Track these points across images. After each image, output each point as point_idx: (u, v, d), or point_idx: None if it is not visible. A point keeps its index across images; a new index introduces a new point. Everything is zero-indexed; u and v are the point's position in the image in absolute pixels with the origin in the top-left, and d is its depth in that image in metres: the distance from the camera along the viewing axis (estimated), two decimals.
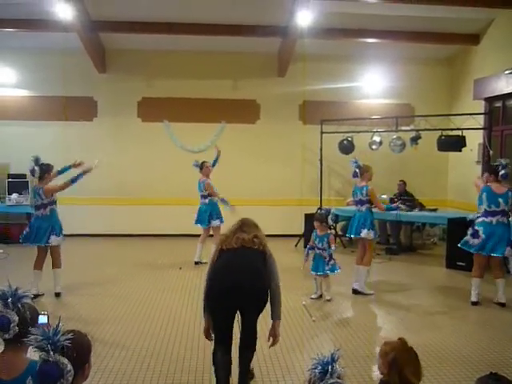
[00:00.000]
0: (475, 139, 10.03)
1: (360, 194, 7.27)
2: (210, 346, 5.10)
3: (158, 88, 11.61)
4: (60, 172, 7.16)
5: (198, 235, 9.24)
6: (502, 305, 6.51)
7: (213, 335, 4.03)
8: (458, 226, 8.28)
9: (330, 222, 6.89)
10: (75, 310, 6.44)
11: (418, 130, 9.87)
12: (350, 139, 10.52)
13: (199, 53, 11.42)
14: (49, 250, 6.95)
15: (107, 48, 11.48)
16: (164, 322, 5.92)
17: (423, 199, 10.88)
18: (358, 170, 7.29)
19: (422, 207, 10.50)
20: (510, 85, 9.17)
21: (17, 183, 10.94)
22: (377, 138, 10.48)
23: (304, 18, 9.00)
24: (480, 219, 6.60)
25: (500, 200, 6.43)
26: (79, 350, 2.21)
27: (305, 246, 10.37)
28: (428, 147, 9.94)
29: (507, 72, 9.11)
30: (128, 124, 11.67)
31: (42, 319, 2.79)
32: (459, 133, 9.15)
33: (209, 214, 8.86)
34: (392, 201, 10.50)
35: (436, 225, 10.94)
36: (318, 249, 6.80)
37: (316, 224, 6.88)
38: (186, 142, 11.57)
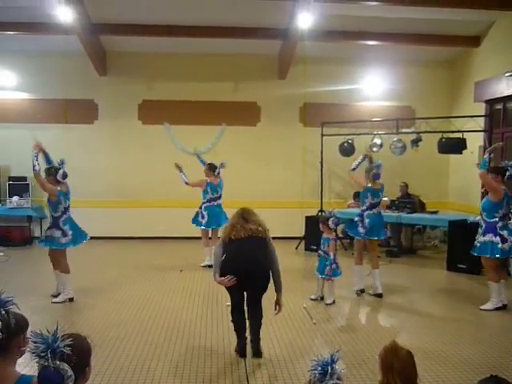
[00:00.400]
0: (476, 141, 10.02)
1: (378, 196, 7.23)
2: (210, 349, 5.11)
3: (159, 90, 11.62)
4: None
5: (198, 237, 9.24)
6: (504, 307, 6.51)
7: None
8: (459, 229, 8.28)
9: (332, 225, 6.86)
10: (76, 313, 6.44)
11: (418, 133, 9.86)
12: (350, 141, 10.52)
13: (200, 55, 11.43)
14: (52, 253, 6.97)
15: (108, 50, 11.50)
16: (165, 324, 5.91)
17: (424, 201, 10.87)
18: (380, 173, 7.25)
19: (422, 209, 10.50)
20: (511, 87, 9.17)
21: (17, 186, 10.95)
22: (377, 141, 10.48)
23: (304, 21, 9.00)
24: None
25: None
26: (79, 354, 2.18)
27: (306, 249, 10.41)
28: (429, 149, 9.93)
29: (508, 74, 9.10)
30: (129, 127, 11.67)
31: None
32: (460, 135, 9.15)
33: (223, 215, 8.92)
34: (393, 203, 10.50)
35: (437, 227, 10.93)
36: (321, 250, 6.81)
37: (320, 225, 6.90)
38: (186, 144, 11.55)
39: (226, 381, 4.44)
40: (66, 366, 2.06)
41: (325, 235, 6.85)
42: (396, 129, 9.99)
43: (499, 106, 10.16)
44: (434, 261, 9.78)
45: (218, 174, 9.16)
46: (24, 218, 11.14)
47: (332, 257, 6.69)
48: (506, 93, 9.33)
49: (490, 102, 10.25)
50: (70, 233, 6.77)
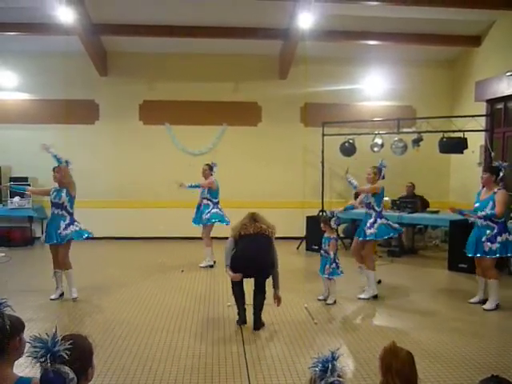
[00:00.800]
0: (477, 141, 10.02)
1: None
2: (211, 349, 5.11)
3: (160, 91, 11.63)
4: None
5: (198, 238, 9.24)
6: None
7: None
8: (460, 228, 8.26)
9: (334, 225, 6.85)
10: (77, 312, 6.44)
11: (419, 132, 9.86)
12: (351, 141, 10.52)
13: (200, 55, 11.43)
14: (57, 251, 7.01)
15: (108, 51, 11.51)
16: (166, 324, 5.91)
17: (428, 200, 10.89)
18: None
19: (424, 208, 10.49)
20: None
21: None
22: (378, 141, 10.47)
23: (305, 21, 9.00)
24: None
25: None
26: (81, 355, 2.18)
27: (307, 249, 10.41)
28: (430, 149, 9.93)
29: (509, 74, 9.10)
30: (129, 127, 11.68)
31: None
32: (461, 135, 9.14)
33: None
34: (394, 203, 10.49)
35: (438, 227, 10.93)
36: (323, 250, 6.81)
37: (322, 225, 6.91)
38: (187, 144, 11.58)
39: (228, 381, 4.44)
40: (67, 369, 2.05)
41: (326, 234, 6.85)
42: (397, 128, 9.99)
43: (500, 106, 10.16)
44: (435, 261, 9.78)
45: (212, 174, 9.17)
46: (25, 218, 11.15)
47: (332, 256, 6.68)
48: (507, 92, 9.34)
49: (491, 102, 10.25)
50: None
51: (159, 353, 5.02)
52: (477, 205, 6.61)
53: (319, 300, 6.82)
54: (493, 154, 9.01)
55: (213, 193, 9.03)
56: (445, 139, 9.34)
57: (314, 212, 10.79)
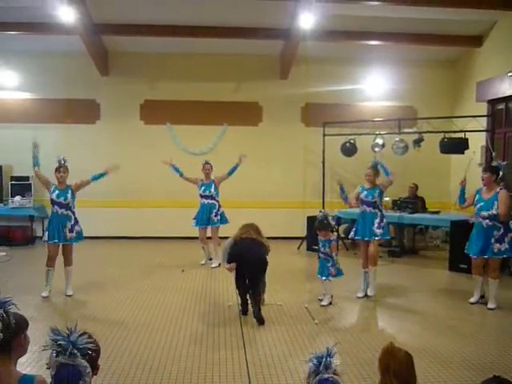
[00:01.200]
0: (478, 141, 10.01)
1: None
2: (211, 349, 5.11)
3: (161, 90, 11.63)
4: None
5: (197, 237, 9.25)
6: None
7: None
8: (461, 229, 8.26)
9: (332, 222, 6.83)
10: (77, 312, 6.44)
11: (420, 133, 9.84)
12: (352, 141, 10.51)
13: (201, 55, 11.43)
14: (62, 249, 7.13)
15: (110, 50, 11.51)
16: (166, 324, 5.91)
17: (426, 201, 10.87)
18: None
19: (424, 209, 10.50)
20: None
21: (20, 186, 10.97)
22: (379, 141, 10.46)
23: (306, 21, 8.99)
24: None
25: None
26: (95, 351, 2.25)
27: (307, 249, 10.40)
28: (431, 150, 9.91)
29: (510, 74, 9.09)
30: (130, 126, 11.68)
31: None
32: (462, 135, 9.13)
33: None
34: (395, 204, 10.49)
35: (439, 227, 10.92)
36: (322, 253, 6.77)
37: (319, 232, 6.81)
38: (188, 144, 11.57)
39: (228, 382, 4.44)
40: (85, 363, 2.10)
41: (323, 238, 6.74)
42: (398, 129, 9.98)
43: (501, 106, 10.15)
44: (435, 261, 9.77)
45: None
46: (26, 217, 11.16)
47: (335, 257, 6.67)
48: (508, 93, 9.33)
49: (492, 102, 10.24)
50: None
51: (159, 353, 5.03)
52: (481, 204, 6.59)
53: (320, 300, 6.81)
54: (494, 154, 9.00)
55: (217, 192, 9.06)
56: (446, 139, 9.32)
57: (315, 212, 10.64)
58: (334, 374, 2.19)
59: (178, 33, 10.35)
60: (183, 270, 8.64)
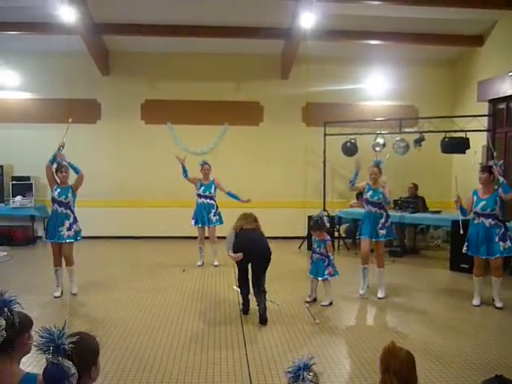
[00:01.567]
0: (479, 141, 10.00)
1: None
2: (212, 348, 5.11)
3: (162, 90, 11.63)
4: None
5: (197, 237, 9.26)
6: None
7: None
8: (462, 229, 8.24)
9: (327, 223, 6.84)
10: (77, 311, 6.45)
11: (421, 132, 9.85)
12: (353, 141, 10.51)
13: (202, 55, 11.43)
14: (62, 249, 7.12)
15: (110, 50, 11.51)
16: (167, 323, 5.92)
17: (427, 201, 10.86)
18: None
19: (425, 210, 10.49)
20: None
21: (20, 185, 10.97)
22: (380, 140, 10.46)
23: (307, 20, 8.98)
24: None
25: None
26: (85, 352, 2.19)
27: (308, 248, 10.38)
28: (432, 149, 9.91)
29: (511, 74, 9.09)
30: (131, 126, 11.68)
31: None
32: (463, 135, 9.13)
33: None
34: (396, 203, 10.48)
35: (440, 227, 10.91)
36: (317, 253, 6.77)
37: (315, 233, 6.83)
38: (189, 144, 11.57)
39: (229, 381, 4.44)
40: (69, 364, 2.07)
41: (317, 238, 6.76)
42: (399, 128, 9.98)
43: (502, 106, 10.14)
44: (436, 261, 9.77)
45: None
46: (27, 217, 11.16)
47: (332, 257, 6.69)
48: (510, 92, 9.31)
49: (494, 102, 10.23)
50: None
51: (160, 352, 5.03)
52: (484, 203, 6.58)
53: (307, 302, 6.73)
54: (495, 153, 8.99)
55: (216, 192, 9.09)
56: (447, 139, 9.32)
57: (316, 212, 10.74)
58: (311, 381, 2.25)
59: (179, 32, 10.34)
60: (184, 270, 8.65)
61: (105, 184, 11.35)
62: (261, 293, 6.00)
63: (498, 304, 6.60)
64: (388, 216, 7.25)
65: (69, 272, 7.11)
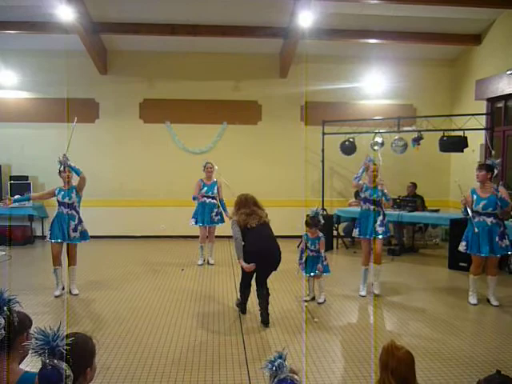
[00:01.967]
0: (477, 140, 10.02)
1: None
2: (211, 349, 5.11)
3: (160, 89, 11.62)
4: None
5: (198, 236, 9.24)
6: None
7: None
8: (461, 227, 8.26)
9: (322, 220, 6.84)
10: (77, 310, 6.44)
11: (420, 131, 9.85)
12: (351, 140, 10.52)
13: (201, 54, 11.43)
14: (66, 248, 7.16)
15: (109, 49, 11.50)
16: (166, 323, 5.92)
17: (425, 200, 10.87)
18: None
19: (423, 209, 10.50)
20: None
21: (19, 185, 10.95)
22: (379, 139, 10.46)
23: (305, 19, 8.99)
24: None
25: None
26: (81, 353, 2.18)
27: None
28: (430, 148, 9.93)
29: (509, 72, 9.10)
30: (130, 125, 11.67)
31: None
32: (461, 133, 9.15)
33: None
34: (395, 202, 10.48)
35: (438, 225, 10.92)
36: (311, 251, 6.78)
37: (306, 229, 6.84)
38: (187, 143, 11.57)
39: (228, 375, 4.44)
40: (64, 365, 2.07)
41: (310, 235, 6.79)
42: (397, 127, 9.99)
43: (500, 104, 10.15)
44: (435, 259, 9.78)
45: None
46: (25, 217, 11.15)
47: (323, 254, 6.73)
48: (508, 91, 9.33)
49: (492, 100, 10.25)
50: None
51: (159, 351, 5.03)
52: (484, 202, 6.58)
53: (306, 301, 6.77)
54: (493, 152, 9.00)
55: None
56: (445, 138, 9.34)
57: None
58: (291, 372, 2.32)
59: (177, 31, 10.34)
60: (183, 269, 8.65)
61: (103, 183, 11.34)
62: (266, 295, 5.87)
63: (495, 302, 6.64)
64: (385, 214, 7.27)
65: (70, 272, 7.11)
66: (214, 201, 8.99)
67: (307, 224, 6.84)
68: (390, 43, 10.91)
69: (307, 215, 7.01)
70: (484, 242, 6.55)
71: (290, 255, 9.75)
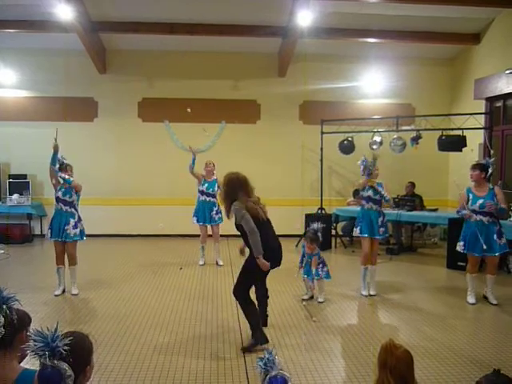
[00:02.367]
0: (476, 139, 10.03)
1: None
2: (209, 348, 5.10)
3: (159, 88, 11.62)
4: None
5: (197, 235, 9.22)
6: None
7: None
8: (459, 227, 8.27)
9: (321, 238, 6.84)
10: (76, 309, 6.45)
11: (418, 130, 9.86)
12: (350, 139, 10.52)
13: (199, 53, 11.43)
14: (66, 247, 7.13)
15: (108, 48, 11.49)
16: (165, 322, 5.92)
17: (424, 199, 10.88)
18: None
19: (422, 208, 10.52)
20: (511, 84, 9.17)
21: (17, 183, 10.97)
22: (377, 138, 10.47)
23: (304, 18, 9.00)
24: None
25: None
26: (80, 353, 2.18)
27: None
28: (429, 147, 9.93)
29: (508, 71, 9.10)
30: (128, 124, 11.67)
31: None
32: (460, 133, 9.15)
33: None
34: (393, 201, 10.49)
35: (437, 225, 10.93)
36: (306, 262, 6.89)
37: (306, 243, 6.84)
38: (186, 142, 11.56)
39: (226, 374, 4.45)
40: (65, 366, 2.06)
41: (307, 250, 6.82)
42: (396, 126, 9.99)
43: (499, 104, 10.16)
44: (433, 258, 9.79)
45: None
46: (24, 215, 11.15)
47: (314, 271, 6.74)
48: (506, 90, 9.34)
49: (490, 100, 10.26)
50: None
51: (157, 350, 5.03)
52: (481, 201, 6.59)
53: (304, 300, 6.79)
54: (492, 151, 9.01)
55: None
56: (444, 137, 9.35)
57: (313, 210, 10.82)
58: (281, 370, 2.34)
59: (176, 31, 10.34)
60: (181, 268, 8.65)
61: (102, 182, 11.33)
62: (266, 296, 5.65)
63: (494, 301, 6.65)
64: (384, 213, 7.30)
65: (71, 272, 7.09)
66: (214, 199, 8.96)
67: (308, 238, 6.79)
68: (388, 42, 10.92)
69: (307, 230, 6.97)
70: (481, 242, 6.56)
71: (288, 254, 9.70)
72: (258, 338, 4.99)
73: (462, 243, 6.80)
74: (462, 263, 8.26)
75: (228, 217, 5.22)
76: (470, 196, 6.70)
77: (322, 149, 10.63)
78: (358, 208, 7.57)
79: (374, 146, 10.44)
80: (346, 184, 11.76)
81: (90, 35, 10.45)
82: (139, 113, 11.72)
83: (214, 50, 11.38)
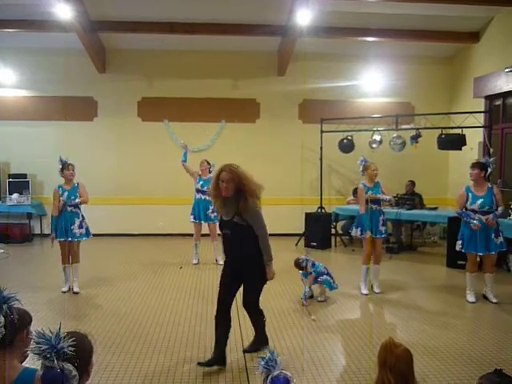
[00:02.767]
0: (475, 138, 10.03)
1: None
2: (210, 346, 5.10)
3: (158, 88, 11.62)
4: None
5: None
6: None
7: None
8: (459, 225, 8.27)
9: (310, 269, 6.84)
10: (76, 309, 6.45)
11: (418, 129, 9.86)
12: (350, 138, 10.51)
13: (199, 52, 11.42)
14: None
15: (107, 48, 11.49)
16: (165, 321, 5.92)
17: (423, 198, 10.88)
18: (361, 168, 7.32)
19: (421, 207, 10.52)
20: (510, 83, 9.17)
21: (17, 183, 10.97)
22: (377, 137, 10.47)
23: (303, 17, 8.99)
24: None
25: None
26: (83, 353, 2.20)
27: (305, 245, 10.40)
28: (428, 146, 9.93)
29: (507, 70, 9.10)
30: (128, 124, 11.67)
31: None
32: (459, 131, 9.16)
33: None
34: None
35: (436, 223, 10.93)
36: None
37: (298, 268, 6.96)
38: (186, 141, 11.55)
39: (227, 376, 4.45)
40: (70, 366, 2.08)
41: (302, 271, 6.89)
42: (395, 125, 9.99)
43: (498, 102, 10.17)
44: (433, 257, 9.80)
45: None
46: (24, 214, 11.15)
47: (307, 289, 6.76)
48: (506, 88, 9.34)
49: (490, 98, 10.26)
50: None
51: (157, 350, 5.04)
52: (481, 200, 6.59)
53: (304, 299, 6.79)
54: (491, 150, 9.01)
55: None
56: (443, 136, 9.34)
57: (313, 209, 10.81)
58: (283, 369, 2.35)
59: (176, 30, 10.33)
60: (181, 267, 8.66)
61: (102, 181, 11.32)
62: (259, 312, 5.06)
63: (494, 299, 6.66)
64: (384, 213, 7.32)
65: (73, 269, 7.16)
66: (210, 198, 8.93)
67: (295, 263, 6.99)
68: (388, 41, 10.92)
69: (298, 259, 7.00)
70: (480, 240, 6.57)
71: (287, 253, 9.76)
72: (263, 343, 4.89)
73: (460, 242, 6.81)
74: (461, 262, 8.25)
75: (232, 213, 4.69)
76: (469, 195, 6.70)
77: (321, 148, 10.63)
78: (358, 207, 7.57)
79: (374, 145, 10.45)
80: (346, 183, 11.77)
81: (90, 35, 10.44)
82: (139, 112, 11.72)
83: (213, 50, 11.37)
